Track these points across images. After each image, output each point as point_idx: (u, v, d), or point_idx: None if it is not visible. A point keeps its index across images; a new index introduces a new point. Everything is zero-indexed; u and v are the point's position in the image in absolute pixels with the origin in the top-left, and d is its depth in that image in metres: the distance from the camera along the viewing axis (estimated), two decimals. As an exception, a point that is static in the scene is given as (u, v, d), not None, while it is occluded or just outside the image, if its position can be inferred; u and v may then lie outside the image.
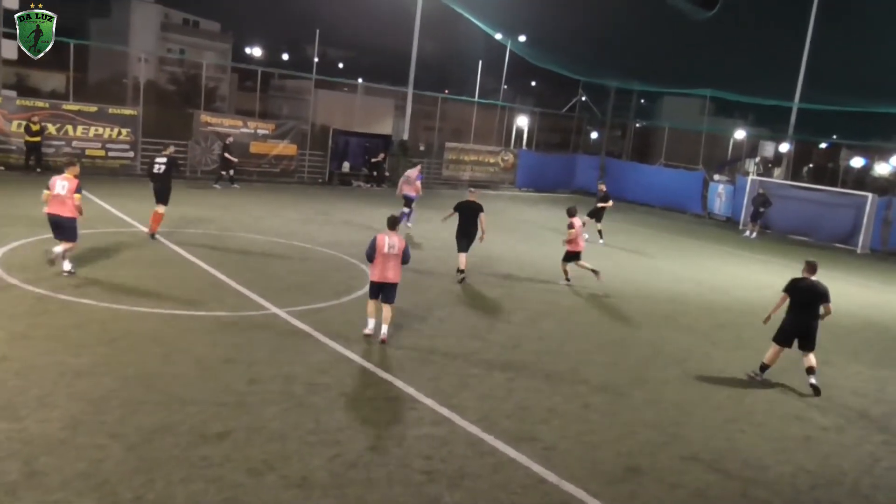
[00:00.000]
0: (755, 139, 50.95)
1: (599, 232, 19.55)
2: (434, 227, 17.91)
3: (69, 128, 21.65)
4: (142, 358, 7.84)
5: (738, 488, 6.56)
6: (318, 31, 33.35)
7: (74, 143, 21.67)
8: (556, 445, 6.89)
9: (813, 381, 9.15)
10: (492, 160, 32.61)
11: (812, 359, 9.21)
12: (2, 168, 20.62)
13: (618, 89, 36.07)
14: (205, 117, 24.73)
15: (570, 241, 13.71)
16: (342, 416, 7.00)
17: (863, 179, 50.41)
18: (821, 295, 9.18)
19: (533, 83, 63.92)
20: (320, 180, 27.11)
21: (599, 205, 19.51)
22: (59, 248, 10.50)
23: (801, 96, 28.46)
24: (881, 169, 55.43)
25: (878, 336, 13.10)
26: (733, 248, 22.34)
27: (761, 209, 25.61)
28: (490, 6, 30.38)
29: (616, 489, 6.23)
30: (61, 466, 5.48)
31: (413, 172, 18.84)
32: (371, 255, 9.13)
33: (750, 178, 30.01)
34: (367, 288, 9.50)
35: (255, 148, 25.24)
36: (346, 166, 27.78)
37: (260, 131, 25.62)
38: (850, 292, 16.24)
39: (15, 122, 20.72)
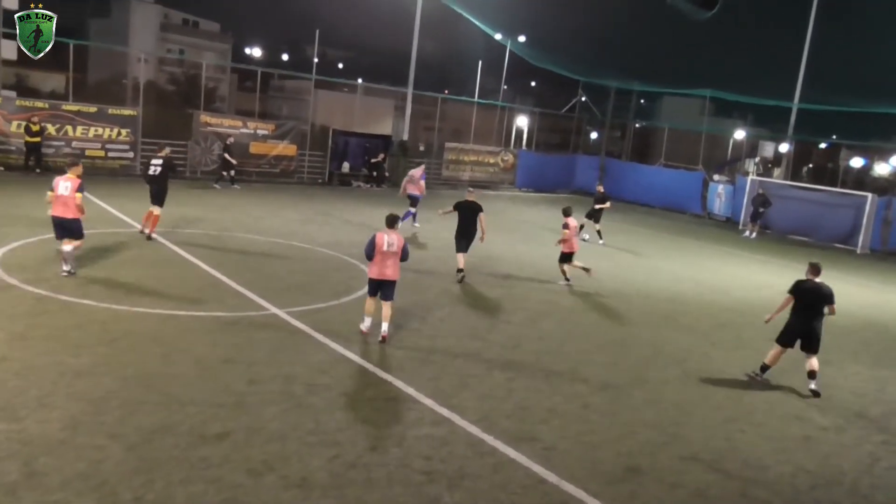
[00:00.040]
0: (755, 139, 50.94)
1: (599, 232, 19.55)
2: (435, 227, 17.96)
3: (69, 128, 21.65)
4: (141, 358, 7.84)
5: (737, 488, 6.56)
6: (317, 31, 33.41)
7: (74, 144, 21.66)
8: (556, 445, 6.89)
9: (813, 386, 9.13)
10: (491, 160, 32.61)
11: (814, 363, 9.19)
12: (1, 168, 20.61)
13: (617, 89, 36.07)
14: (204, 118, 24.74)
15: (564, 242, 13.72)
16: (342, 416, 7.00)
17: (862, 179, 50.41)
18: (825, 297, 9.17)
19: (533, 83, 63.95)
20: (320, 181, 27.11)
21: (597, 206, 19.52)
22: (67, 247, 10.61)
23: (800, 96, 28.47)
24: (881, 169, 55.44)
25: (877, 336, 13.10)
26: (733, 248, 22.34)
27: (761, 209, 25.62)
28: (490, 6, 30.39)
29: (616, 489, 6.23)
30: (61, 467, 5.48)
31: (417, 172, 18.93)
32: (370, 252, 9.16)
33: (750, 178, 30.02)
34: (367, 288, 9.50)
35: (254, 148, 25.24)
36: (345, 167, 27.79)
37: (260, 132, 25.62)
38: (850, 292, 16.23)
39: (15, 123, 20.72)
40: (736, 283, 16.61)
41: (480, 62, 39.21)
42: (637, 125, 41.49)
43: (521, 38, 35.24)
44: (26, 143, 20.60)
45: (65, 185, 10.50)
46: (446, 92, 42.38)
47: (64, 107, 21.96)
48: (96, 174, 20.60)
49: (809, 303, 9.21)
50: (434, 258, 14.95)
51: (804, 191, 28.81)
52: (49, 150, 21.16)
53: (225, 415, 6.68)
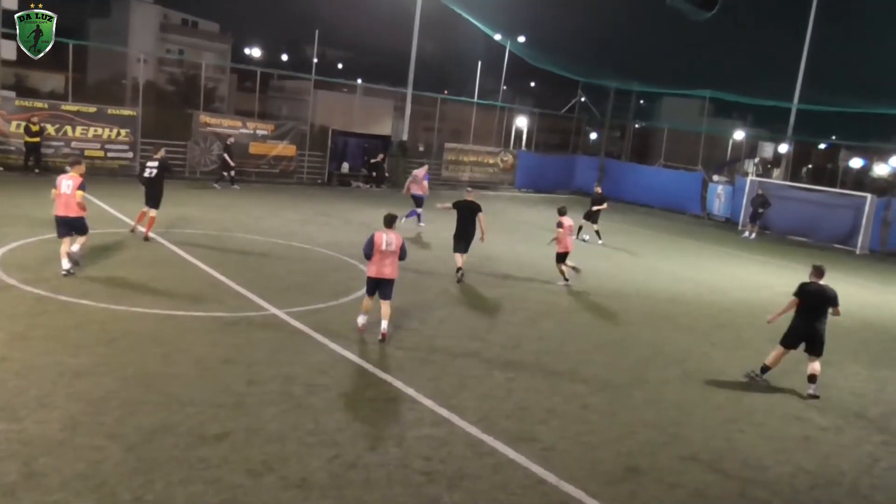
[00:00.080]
0: (754, 140, 50.99)
1: (597, 233, 19.56)
2: (435, 228, 17.98)
3: (68, 128, 21.65)
4: (141, 358, 7.83)
5: (737, 488, 6.57)
6: (317, 31, 33.41)
7: (73, 144, 21.65)
8: (556, 446, 6.89)
9: (811, 391, 9.11)
10: (491, 161, 32.62)
11: (817, 367, 9.17)
12: (1, 169, 20.60)
13: (617, 90, 36.08)
14: (204, 118, 24.74)
15: (557, 241, 13.73)
16: (341, 416, 7.00)
17: (862, 180, 50.47)
18: (829, 299, 9.16)
19: (532, 84, 63.95)
20: (319, 181, 27.11)
21: (595, 208, 19.54)
22: (75, 246, 10.79)
23: (800, 97, 28.48)
24: (880, 170, 55.51)
25: (876, 336, 13.10)
26: (732, 248, 22.35)
27: (760, 210, 25.62)
28: (489, 6, 30.39)
29: (615, 489, 6.23)
30: (60, 467, 5.48)
31: (420, 172, 19.08)
32: (368, 251, 9.21)
33: (749, 178, 30.03)
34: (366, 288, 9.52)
35: (254, 148, 25.24)
36: (345, 167, 27.79)
37: (259, 132, 25.62)
38: (849, 293, 16.17)
39: (14, 123, 20.72)
40: (735, 283, 16.62)
41: (480, 62, 39.29)
42: (636, 126, 41.53)
43: (521, 39, 35.27)
44: (26, 143, 20.59)
45: (67, 183, 10.58)
46: (446, 92, 42.38)
47: (63, 107, 21.95)
48: (96, 174, 20.57)
49: (813, 305, 9.20)
50: (434, 258, 14.96)
51: (803, 191, 28.81)
52: (48, 151, 21.16)
53: (224, 415, 6.68)
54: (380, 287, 9.31)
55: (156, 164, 13.66)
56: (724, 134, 40.75)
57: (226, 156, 22.84)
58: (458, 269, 13.31)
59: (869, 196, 25.58)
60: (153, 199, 13.51)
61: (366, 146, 28.16)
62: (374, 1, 38.95)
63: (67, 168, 11.01)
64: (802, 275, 9.62)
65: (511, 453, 6.59)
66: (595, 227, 19.56)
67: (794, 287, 9.53)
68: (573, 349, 10.12)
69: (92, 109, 22.22)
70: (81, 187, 10.61)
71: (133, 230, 13.85)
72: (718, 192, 30.03)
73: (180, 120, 26.43)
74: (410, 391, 7.77)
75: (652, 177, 32.42)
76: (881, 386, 10.10)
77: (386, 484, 5.81)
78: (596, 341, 10.69)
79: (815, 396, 9.08)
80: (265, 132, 25.78)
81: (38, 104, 22.07)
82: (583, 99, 37.22)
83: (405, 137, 30.40)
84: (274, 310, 10.13)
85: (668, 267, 17.72)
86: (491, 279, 13.82)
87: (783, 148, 34.59)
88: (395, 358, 8.83)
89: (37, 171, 20.43)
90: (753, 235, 25.60)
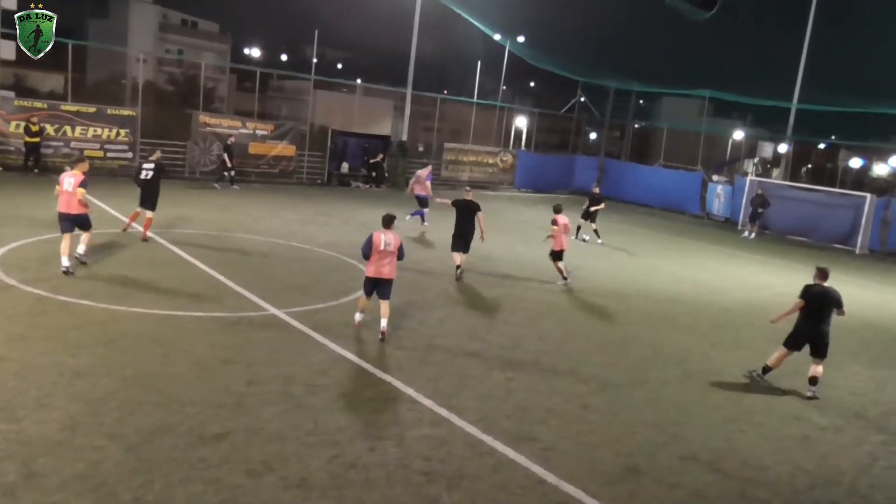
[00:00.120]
0: (754, 140, 50.98)
1: (596, 232, 19.59)
2: (435, 228, 18.00)
3: (67, 128, 21.63)
4: (140, 359, 7.83)
5: (736, 488, 6.57)
6: (316, 31, 33.37)
7: (73, 144, 21.63)
8: (556, 446, 6.89)
9: (810, 393, 9.10)
10: (490, 161, 32.62)
11: (819, 370, 9.16)
12: (0, 169, 20.60)
13: (617, 90, 36.08)
14: (203, 118, 24.73)
15: (553, 238, 13.73)
16: (341, 416, 7.00)
17: (861, 180, 50.52)
18: (833, 301, 9.17)
19: (532, 84, 63.97)
20: (319, 181, 27.10)
21: (592, 208, 19.55)
22: (81, 248, 11.07)
23: (799, 97, 28.47)
24: (880, 169, 55.53)
25: (876, 336, 13.10)
26: (732, 248, 22.35)
27: (760, 210, 25.63)
28: (489, 6, 30.38)
29: (615, 489, 6.23)
30: (60, 467, 5.48)
31: (423, 172, 19.22)
32: (367, 252, 9.25)
33: (749, 178, 30.04)
34: (365, 288, 9.55)
35: (253, 149, 25.23)
36: (344, 167, 27.78)
37: (259, 132, 25.61)
38: (849, 293, 16.04)
39: (13, 123, 20.71)
40: (735, 283, 16.62)
41: (479, 62, 39.24)
42: (636, 125, 41.53)
43: (521, 39, 35.26)
44: (26, 143, 20.58)
45: (69, 181, 10.71)
46: (445, 92, 42.40)
47: (62, 107, 21.94)
48: (95, 174, 20.33)
49: (818, 307, 9.19)
50: (434, 258, 14.96)
51: (803, 191, 28.83)
52: (48, 151, 21.15)
53: (224, 415, 6.68)
54: (378, 287, 9.35)
55: (151, 165, 13.64)
56: (724, 134, 40.76)
57: (225, 156, 22.83)
58: (458, 266, 13.34)
59: (868, 196, 25.58)
60: (149, 201, 13.50)
61: (365, 146, 28.16)
62: (374, 1, 38.93)
63: (67, 168, 11.12)
64: (802, 275, 9.64)
65: (511, 453, 6.59)
66: (593, 226, 19.59)
67: (793, 287, 9.55)
68: (573, 349, 10.12)
69: (91, 109, 22.22)
70: (83, 185, 10.71)
71: (124, 230, 13.83)
72: (718, 192, 30.03)
73: (180, 120, 26.42)
74: (410, 391, 7.77)
75: (651, 177, 32.41)
76: (880, 386, 10.10)
77: (385, 484, 5.81)
78: (596, 341, 10.69)
79: (814, 398, 9.09)
80: (265, 132, 25.77)
81: (38, 104, 22.06)
82: (582, 99, 37.22)
83: (405, 137, 30.40)
84: (273, 310, 10.13)
85: (668, 267, 17.73)
86: (490, 279, 13.83)
87: (783, 148, 34.60)
88: (394, 358, 8.83)
89: (36, 171, 20.42)
90: (753, 235, 25.60)
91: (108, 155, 22.42)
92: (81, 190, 10.64)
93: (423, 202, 18.73)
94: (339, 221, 18.88)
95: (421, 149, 35.67)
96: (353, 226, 18.21)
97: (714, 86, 31.51)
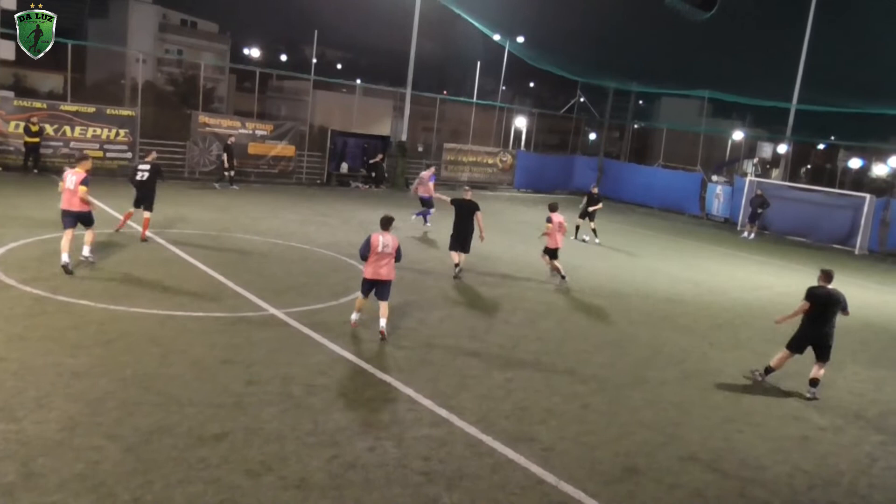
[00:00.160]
0: (753, 140, 51.04)
1: (594, 231, 19.62)
2: (436, 228, 18.03)
3: (67, 128, 21.62)
4: (139, 359, 7.83)
5: (735, 488, 6.57)
6: (316, 31, 33.31)
7: (72, 144, 21.62)
8: (555, 446, 6.89)
9: (810, 394, 9.10)
10: (490, 161, 32.63)
11: (821, 372, 9.18)
12: (0, 169, 20.59)
13: (616, 90, 36.12)
14: (203, 118, 24.72)
15: (548, 235, 13.75)
16: (340, 416, 7.00)
17: (861, 180, 50.57)
18: (837, 303, 9.17)
19: (531, 84, 64.04)
20: (318, 181, 27.10)
21: (591, 208, 19.56)
22: (86, 249, 11.23)
23: (799, 97, 28.51)
24: (879, 170, 55.58)
25: (875, 336, 13.11)
26: (731, 249, 22.36)
27: (759, 210, 25.65)
28: (488, 7, 30.39)
29: (614, 489, 6.23)
30: (59, 468, 5.47)
31: (426, 174, 19.34)
32: (365, 253, 9.28)
33: (748, 179, 30.06)
34: (364, 288, 9.56)
35: (253, 149, 25.23)
36: (344, 167, 27.78)
37: (258, 132, 25.61)
38: (848, 293, 16.02)
39: (13, 123, 20.70)
40: (734, 283, 16.62)
41: (479, 63, 39.25)
42: (635, 126, 41.60)
43: (520, 39, 35.27)
44: (25, 143, 20.58)
45: (72, 178, 10.81)
46: (445, 92, 42.45)
47: (62, 107, 21.92)
48: (94, 174, 20.41)
49: (823, 309, 9.20)
50: (434, 258, 14.97)
51: (802, 192, 28.86)
52: (47, 151, 21.14)
53: (223, 415, 6.67)
54: (377, 288, 9.38)
55: (147, 166, 13.63)
56: (723, 134, 40.82)
57: (224, 156, 22.83)
58: (456, 265, 13.36)
59: (868, 196, 25.62)
60: (146, 201, 13.50)
61: (365, 146, 28.17)
62: (374, 1, 38.94)
63: (66, 168, 11.21)
64: (801, 275, 9.65)
65: (510, 453, 6.59)
66: (592, 224, 19.62)
67: (793, 287, 9.57)
68: (572, 349, 10.12)
69: (91, 110, 22.20)
70: (84, 182, 10.77)
71: (118, 230, 13.82)
72: (717, 193, 30.06)
73: (179, 120, 26.43)
74: (409, 391, 7.77)
75: (651, 177, 32.44)
76: (880, 386, 10.11)
77: (385, 484, 5.81)
78: (595, 341, 10.69)
79: (813, 398, 9.09)
80: (264, 132, 25.77)
81: (37, 104, 22.04)
82: (582, 99, 37.26)
83: (404, 138, 30.40)
84: (273, 310, 10.13)
85: (667, 267, 17.73)
86: (490, 279, 13.83)
87: (782, 148, 34.62)
88: (394, 358, 8.83)
89: (36, 171, 20.42)
90: (752, 236, 25.62)
91: (108, 155, 22.39)
92: (83, 188, 10.72)
93: (426, 203, 18.80)
94: (339, 221, 18.88)
95: (420, 149, 35.69)
96: (353, 226, 18.21)
97: (713, 86, 31.53)
